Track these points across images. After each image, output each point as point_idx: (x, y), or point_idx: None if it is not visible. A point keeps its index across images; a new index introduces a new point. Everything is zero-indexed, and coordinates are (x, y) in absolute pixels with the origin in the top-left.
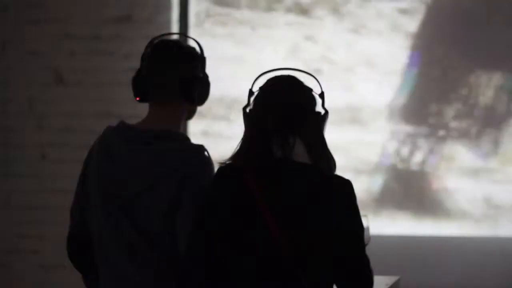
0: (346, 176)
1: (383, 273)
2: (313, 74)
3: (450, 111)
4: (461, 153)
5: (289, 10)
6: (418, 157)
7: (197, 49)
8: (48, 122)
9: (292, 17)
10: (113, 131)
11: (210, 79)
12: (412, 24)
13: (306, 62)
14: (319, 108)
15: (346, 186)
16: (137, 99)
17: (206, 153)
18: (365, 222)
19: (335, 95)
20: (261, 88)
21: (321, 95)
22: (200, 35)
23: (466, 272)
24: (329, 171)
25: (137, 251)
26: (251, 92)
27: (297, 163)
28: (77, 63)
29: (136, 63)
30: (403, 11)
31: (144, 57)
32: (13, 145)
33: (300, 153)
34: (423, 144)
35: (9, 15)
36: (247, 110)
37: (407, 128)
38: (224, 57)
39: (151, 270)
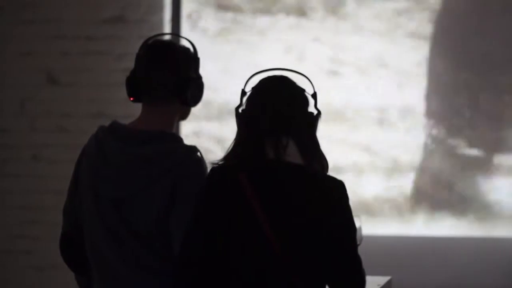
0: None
1: (375, 273)
2: (305, 74)
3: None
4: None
5: (288, 12)
6: (445, 155)
7: (191, 49)
8: (41, 122)
9: (293, 20)
10: (106, 131)
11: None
12: (411, 23)
13: (318, 64)
14: (311, 108)
15: (338, 187)
16: (131, 99)
17: (199, 153)
18: (357, 222)
19: (357, 96)
20: (253, 88)
21: (314, 95)
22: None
23: (458, 272)
24: (321, 171)
25: (130, 252)
26: (243, 92)
27: (290, 163)
28: (70, 63)
29: (129, 64)
30: (401, 11)
31: (138, 58)
32: (5, 145)
33: (292, 153)
34: (452, 142)
35: (2, 16)
36: (240, 110)
37: (438, 128)
38: (237, 63)
39: (145, 270)
